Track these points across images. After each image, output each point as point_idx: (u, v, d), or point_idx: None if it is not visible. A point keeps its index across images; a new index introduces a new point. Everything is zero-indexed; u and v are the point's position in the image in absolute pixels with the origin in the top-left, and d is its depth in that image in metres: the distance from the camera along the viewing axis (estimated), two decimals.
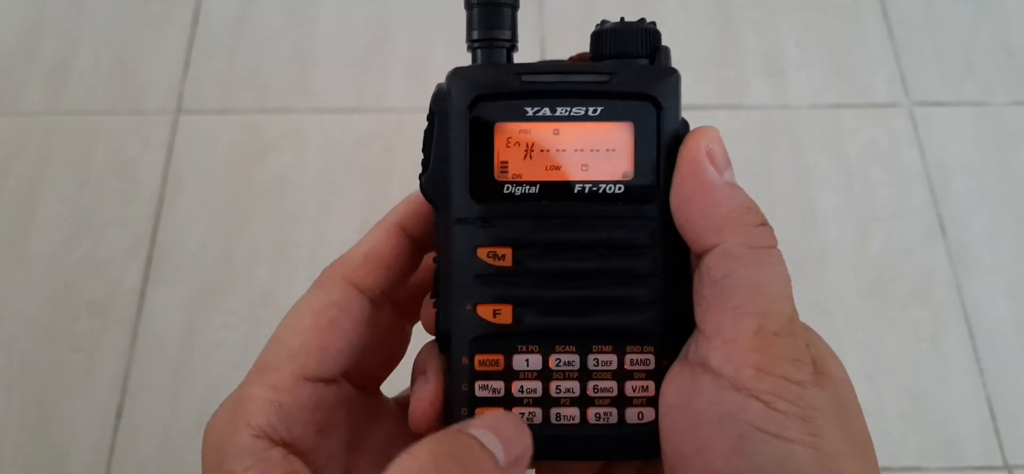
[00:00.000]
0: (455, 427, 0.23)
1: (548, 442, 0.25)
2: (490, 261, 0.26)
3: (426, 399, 0.26)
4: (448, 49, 0.80)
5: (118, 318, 0.68)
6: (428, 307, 0.27)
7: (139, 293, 0.69)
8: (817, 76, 0.80)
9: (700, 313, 0.24)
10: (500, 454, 0.23)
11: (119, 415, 0.65)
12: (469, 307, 0.26)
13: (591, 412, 0.26)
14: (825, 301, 0.69)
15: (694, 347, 0.24)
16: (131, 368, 0.67)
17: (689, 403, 0.24)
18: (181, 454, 0.63)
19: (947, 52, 0.82)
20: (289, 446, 0.24)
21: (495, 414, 0.25)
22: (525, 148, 0.26)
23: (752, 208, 0.24)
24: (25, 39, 0.81)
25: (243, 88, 0.79)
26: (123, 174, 0.75)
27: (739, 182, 0.25)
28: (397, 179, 0.74)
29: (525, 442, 0.24)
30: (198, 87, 0.79)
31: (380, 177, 0.74)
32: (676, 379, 0.24)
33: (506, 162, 0.26)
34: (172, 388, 0.66)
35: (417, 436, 0.26)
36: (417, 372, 0.27)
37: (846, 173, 0.76)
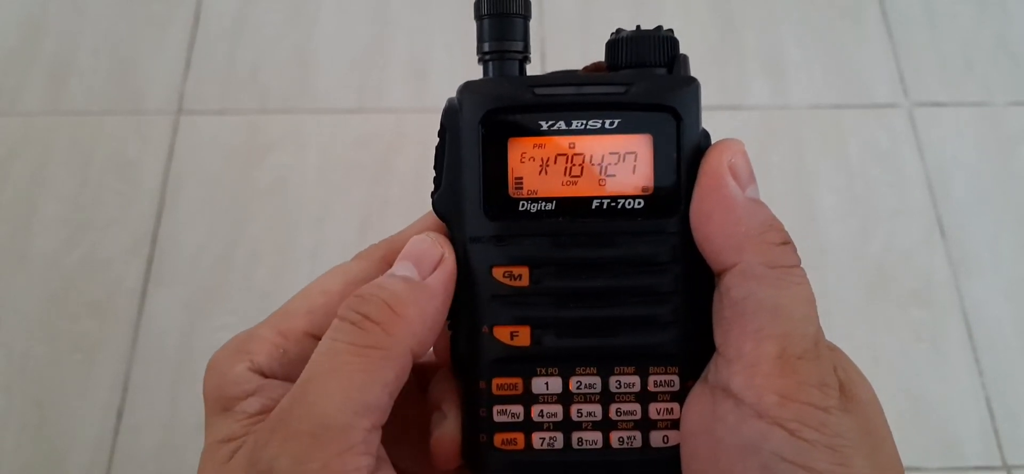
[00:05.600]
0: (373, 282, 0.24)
1: (570, 469, 0.25)
2: (506, 281, 0.25)
3: (446, 438, 0.25)
4: (448, 49, 0.80)
5: (118, 318, 0.68)
6: (442, 332, 0.26)
7: (139, 293, 0.69)
8: (817, 76, 0.80)
9: (720, 335, 0.23)
10: (413, 273, 0.24)
11: (119, 415, 0.65)
12: (485, 329, 0.25)
13: (614, 436, 0.25)
14: (825, 301, 0.69)
15: (714, 370, 0.23)
16: (131, 368, 0.67)
17: (710, 430, 0.23)
18: (181, 454, 0.63)
19: (947, 52, 0.82)
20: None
21: (413, 239, 0.25)
22: (540, 163, 0.25)
23: (774, 226, 0.24)
24: (25, 39, 0.81)
25: (243, 88, 0.79)
26: (123, 174, 0.75)
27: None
28: (397, 179, 0.74)
29: (436, 251, 0.25)
30: (198, 87, 0.79)
31: (380, 177, 0.74)
32: (696, 403, 0.24)
33: (521, 178, 0.25)
34: (172, 388, 0.66)
35: (443, 472, 0.26)
36: (433, 406, 0.26)
37: (846, 173, 0.76)
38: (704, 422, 0.23)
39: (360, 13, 0.83)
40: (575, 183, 0.25)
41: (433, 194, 0.26)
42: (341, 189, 0.74)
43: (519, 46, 0.26)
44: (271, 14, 0.83)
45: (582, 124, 0.25)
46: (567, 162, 0.25)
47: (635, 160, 0.25)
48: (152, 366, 0.67)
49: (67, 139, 0.76)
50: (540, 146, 0.25)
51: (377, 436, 0.23)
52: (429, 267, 0.24)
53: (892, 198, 0.75)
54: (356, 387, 0.22)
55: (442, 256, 0.25)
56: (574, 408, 0.25)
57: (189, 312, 0.69)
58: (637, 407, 0.25)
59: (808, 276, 0.24)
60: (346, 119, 0.77)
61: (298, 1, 0.84)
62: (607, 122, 0.25)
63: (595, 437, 0.25)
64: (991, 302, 0.70)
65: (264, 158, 0.75)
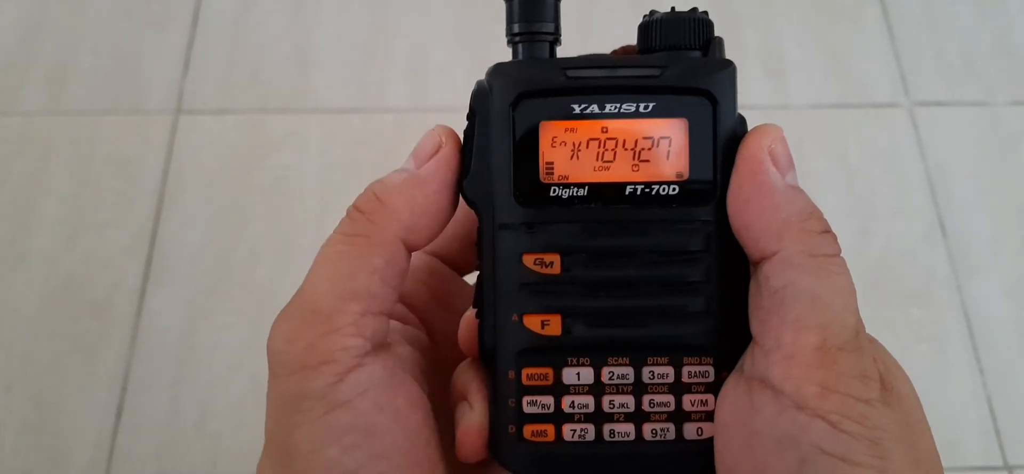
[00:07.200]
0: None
1: (601, 461, 0.24)
2: (537, 269, 0.24)
3: (473, 429, 0.25)
4: (448, 49, 0.80)
5: (118, 318, 0.68)
6: (468, 322, 0.26)
7: (139, 293, 0.69)
8: (817, 76, 0.80)
9: (757, 324, 0.23)
10: (411, 166, 0.25)
11: (119, 415, 0.65)
12: (515, 318, 0.24)
13: (647, 428, 0.24)
14: None
15: (751, 361, 0.23)
16: (131, 368, 0.66)
17: (746, 421, 0.22)
18: (181, 454, 0.63)
19: (947, 52, 0.82)
20: None
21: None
22: (572, 148, 0.24)
23: (815, 213, 0.23)
24: (25, 39, 0.81)
25: (243, 88, 0.79)
26: (123, 174, 0.75)
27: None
28: None
29: (433, 141, 0.25)
30: (198, 87, 0.79)
31: (380, 177, 0.74)
32: (731, 395, 0.23)
33: (552, 163, 0.24)
34: (172, 388, 0.66)
35: (466, 466, 0.25)
36: (458, 397, 0.26)
37: (846, 173, 0.76)
38: (740, 414, 0.23)
39: (360, 13, 0.83)
40: (608, 168, 0.24)
41: (462, 179, 0.25)
42: (341, 189, 0.73)
43: (550, 27, 0.25)
44: (271, 14, 0.83)
45: (615, 108, 0.24)
46: (600, 147, 0.24)
47: (670, 145, 0.24)
48: (151, 365, 0.67)
49: (67, 139, 0.76)
50: (572, 130, 0.24)
51: (373, 321, 0.23)
52: (425, 157, 0.25)
53: (892, 198, 0.75)
54: (342, 274, 0.24)
55: (439, 144, 0.25)
56: (606, 399, 0.24)
57: (189, 312, 0.69)
58: (671, 398, 0.24)
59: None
60: (346, 119, 0.77)
61: (298, 1, 0.84)
62: (641, 106, 0.24)
63: (627, 429, 0.24)
64: (992, 301, 0.70)
65: (264, 158, 0.75)
